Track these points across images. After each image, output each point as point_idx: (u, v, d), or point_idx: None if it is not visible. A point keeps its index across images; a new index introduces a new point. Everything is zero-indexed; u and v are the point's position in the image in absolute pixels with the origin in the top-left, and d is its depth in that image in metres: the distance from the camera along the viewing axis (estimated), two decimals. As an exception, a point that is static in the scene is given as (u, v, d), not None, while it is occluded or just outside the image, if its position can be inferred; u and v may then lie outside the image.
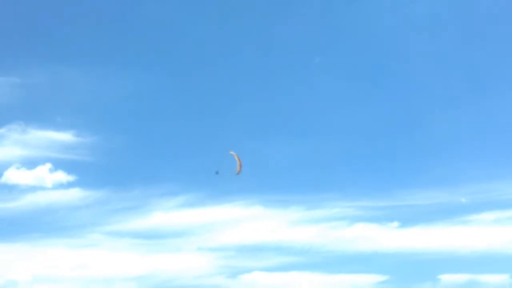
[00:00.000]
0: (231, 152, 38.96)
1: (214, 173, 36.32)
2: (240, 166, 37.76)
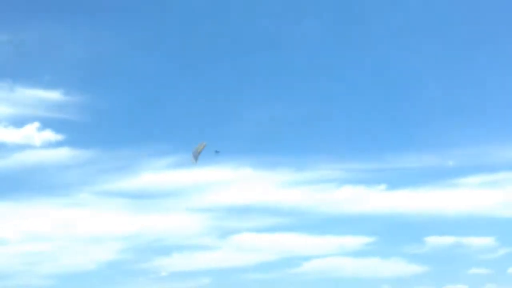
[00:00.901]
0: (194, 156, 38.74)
1: (213, 150, 36.20)
2: (198, 151, 37.43)
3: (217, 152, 36.20)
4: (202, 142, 37.93)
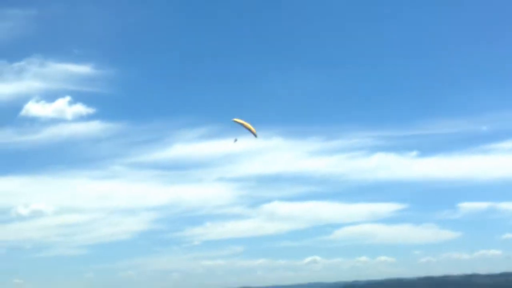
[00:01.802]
0: (235, 120, 38.70)
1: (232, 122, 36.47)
2: (251, 128, 37.50)
3: (236, 140, 36.68)
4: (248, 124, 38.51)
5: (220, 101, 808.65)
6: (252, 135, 39.24)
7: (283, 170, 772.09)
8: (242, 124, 37.68)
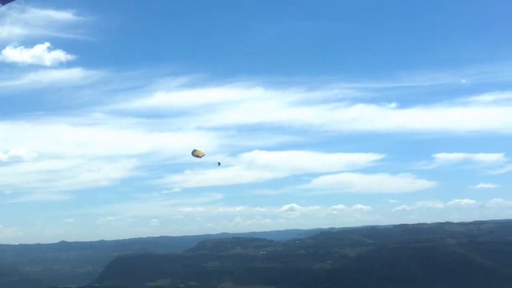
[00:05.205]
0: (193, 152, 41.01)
1: (217, 163, 38.62)
2: (197, 154, 39.66)
3: (219, 164, 38.83)
4: (201, 152, 40.75)
5: (202, 51, 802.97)
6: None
7: (263, 119, 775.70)
8: (194, 152, 39.95)
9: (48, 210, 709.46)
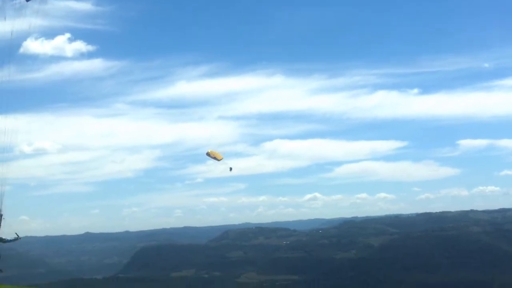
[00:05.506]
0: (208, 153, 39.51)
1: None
2: (215, 156, 38.26)
3: (231, 169, 38.01)
4: (219, 155, 39.47)
5: (222, 39, 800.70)
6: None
7: (284, 108, 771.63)
8: (209, 155, 38.38)
9: (73, 201, 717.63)
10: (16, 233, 25.84)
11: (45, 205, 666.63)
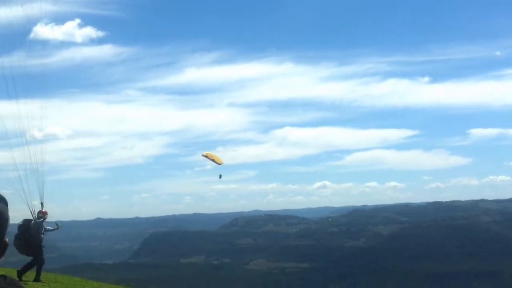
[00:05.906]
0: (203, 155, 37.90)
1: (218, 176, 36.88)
2: (213, 158, 36.57)
3: (220, 176, 37.21)
4: (218, 158, 37.83)
5: (231, 26, 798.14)
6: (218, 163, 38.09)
7: (294, 95, 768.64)
8: (207, 157, 36.91)
9: (83, 187, 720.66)
10: (56, 223, 26.64)
11: (56, 190, 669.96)
